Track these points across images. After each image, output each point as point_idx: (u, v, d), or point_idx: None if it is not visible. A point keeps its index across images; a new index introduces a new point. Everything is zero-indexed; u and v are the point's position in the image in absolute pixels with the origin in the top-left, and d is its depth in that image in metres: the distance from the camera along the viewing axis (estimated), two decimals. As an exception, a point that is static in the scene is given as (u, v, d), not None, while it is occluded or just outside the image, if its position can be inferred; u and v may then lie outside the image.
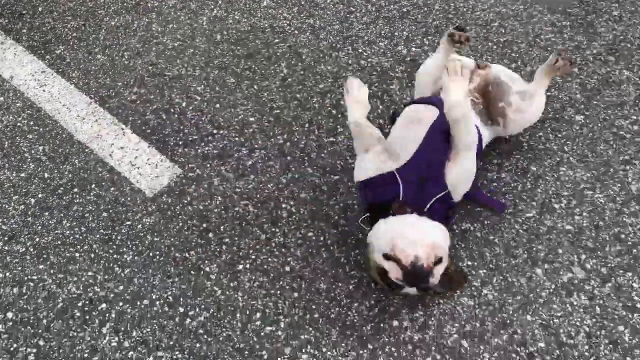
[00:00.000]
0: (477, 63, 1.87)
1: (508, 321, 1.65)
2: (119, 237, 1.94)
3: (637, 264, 1.72)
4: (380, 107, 2.21)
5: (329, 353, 1.64)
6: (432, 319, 1.67)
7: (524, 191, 1.89)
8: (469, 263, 1.76)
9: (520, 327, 1.64)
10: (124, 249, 1.91)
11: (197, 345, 1.68)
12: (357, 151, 1.73)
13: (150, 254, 1.88)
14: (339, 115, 2.20)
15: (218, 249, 1.87)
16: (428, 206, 1.59)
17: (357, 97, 1.73)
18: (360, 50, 2.44)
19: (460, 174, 1.65)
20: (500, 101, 1.84)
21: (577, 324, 1.63)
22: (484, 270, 1.74)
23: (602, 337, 1.60)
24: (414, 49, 2.42)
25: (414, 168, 1.63)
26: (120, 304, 1.79)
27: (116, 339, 1.72)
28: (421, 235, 1.50)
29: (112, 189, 2.07)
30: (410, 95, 2.18)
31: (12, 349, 1.71)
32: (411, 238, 1.49)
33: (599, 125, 2.04)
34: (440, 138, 1.66)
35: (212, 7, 2.74)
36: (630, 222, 1.81)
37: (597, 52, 2.30)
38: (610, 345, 1.58)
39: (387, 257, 1.50)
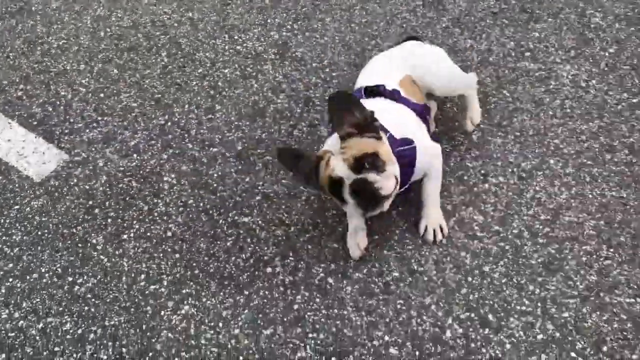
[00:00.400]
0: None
1: (367, 258, 1.84)
2: (7, 221, 2.01)
3: (478, 202, 1.95)
4: (255, 85, 2.38)
5: (208, 302, 1.78)
6: (302, 262, 1.85)
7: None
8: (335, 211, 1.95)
9: (377, 262, 1.83)
10: (13, 231, 1.98)
11: (86, 308, 1.78)
12: None
13: (39, 233, 1.96)
14: (217, 95, 2.35)
15: (104, 223, 1.98)
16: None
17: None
18: (236, 37, 2.61)
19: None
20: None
21: (427, 254, 1.84)
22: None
23: (447, 263, 1.82)
24: (284, 33, 2.61)
25: None
26: (10, 279, 1.86)
27: (6, 311, 1.79)
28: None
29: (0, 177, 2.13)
30: (284, 74, 2.37)
31: None
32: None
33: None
34: None
35: (96, 7, 2.83)
36: (472, 165, 2.05)
37: (445, 25, 2.56)
38: (455, 269, 1.80)
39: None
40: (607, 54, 2.38)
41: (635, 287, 1.72)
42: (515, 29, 2.50)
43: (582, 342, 1.62)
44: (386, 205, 1.62)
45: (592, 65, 2.34)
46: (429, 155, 1.81)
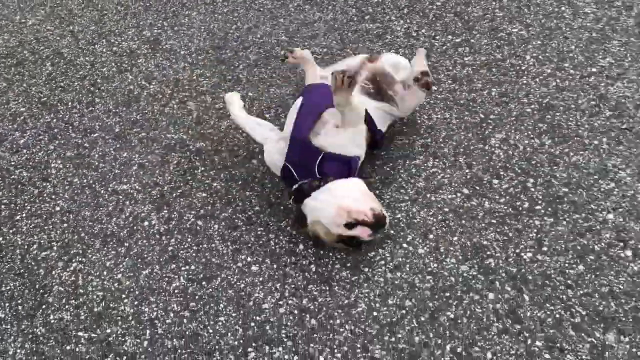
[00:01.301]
0: (369, 56, 2.07)
1: (232, 198, 2.07)
2: None
3: None
4: (130, 77, 2.60)
5: (94, 257, 1.98)
6: (175, 213, 2.06)
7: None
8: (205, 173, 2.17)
9: (241, 201, 2.07)
10: None
11: (-17, 282, 1.96)
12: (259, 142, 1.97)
13: (-62, 228, 2.13)
14: (96, 90, 2.57)
15: (-3, 210, 2.16)
16: (317, 173, 1.77)
17: (229, 98, 2.05)
18: (112, 41, 2.83)
19: (344, 140, 1.80)
20: (389, 90, 2.01)
21: (283, 188, 2.08)
22: (213, 171, 2.16)
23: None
24: (156, 31, 2.85)
25: (292, 148, 1.80)
26: None
27: None
28: (352, 191, 1.71)
29: None
30: (156, 64, 2.60)
31: None
32: (353, 197, 1.68)
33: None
34: (309, 118, 1.83)
35: (-16, 34, 3.02)
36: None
37: (297, 4, 2.84)
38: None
39: (350, 225, 1.66)
40: (434, 7, 2.70)
41: (456, 185, 2.00)
42: (357, -2, 2.80)
43: (412, 234, 1.88)
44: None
45: (422, 17, 2.65)
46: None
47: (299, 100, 1.90)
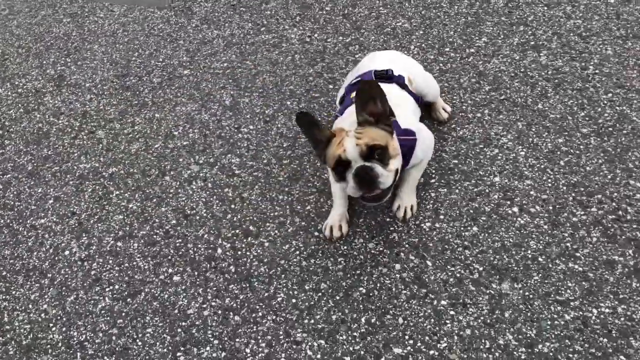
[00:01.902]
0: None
1: (149, 216, 2.13)
2: None
3: (235, 149, 2.30)
4: (38, 115, 2.63)
5: (17, 293, 1.99)
6: (94, 238, 2.11)
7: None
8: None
9: (157, 218, 2.13)
10: None
11: None
12: None
13: None
14: (5, 133, 2.58)
15: None
16: None
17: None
18: (16, 83, 2.85)
19: None
20: None
21: (197, 199, 2.16)
22: (128, 193, 2.22)
23: (214, 200, 2.15)
24: (59, 68, 2.88)
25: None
26: None
27: None
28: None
29: None
30: (62, 100, 2.63)
31: None
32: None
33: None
34: None
35: None
36: (227, 124, 2.41)
37: (195, 25, 2.93)
38: (220, 202, 2.13)
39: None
40: (324, 12, 2.84)
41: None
42: (252, 13, 2.92)
43: (323, 222, 1.99)
44: (384, 198, 1.67)
45: (314, 23, 2.78)
46: (426, 147, 1.89)
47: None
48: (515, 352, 1.59)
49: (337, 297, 1.77)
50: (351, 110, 1.77)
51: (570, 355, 1.57)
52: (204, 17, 2.91)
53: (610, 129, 2.08)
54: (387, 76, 1.90)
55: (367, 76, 1.92)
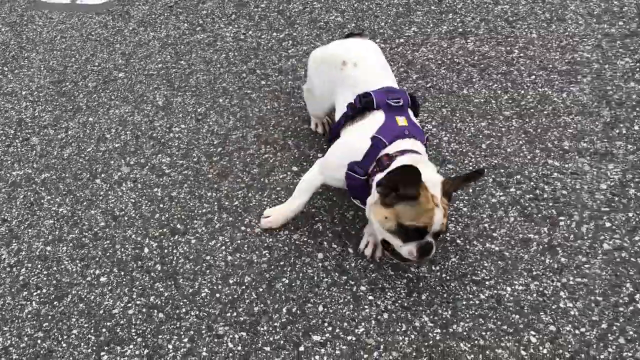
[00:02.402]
0: None
1: (78, 219, 2.14)
2: None
3: (166, 149, 2.31)
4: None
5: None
6: (24, 244, 2.11)
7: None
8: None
9: (87, 221, 2.13)
10: None
11: None
12: None
13: None
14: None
15: None
16: None
17: None
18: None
19: None
20: None
21: (126, 200, 2.17)
22: (59, 198, 2.22)
23: (143, 201, 2.16)
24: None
25: None
26: None
27: None
28: None
29: None
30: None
31: None
32: None
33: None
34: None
35: None
36: (160, 124, 2.41)
37: (132, 28, 2.94)
38: (149, 202, 2.14)
39: None
40: (259, 9, 2.86)
41: (286, 165, 2.14)
42: (188, 13, 2.93)
43: (249, 217, 2.00)
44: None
45: (249, 20, 2.80)
46: None
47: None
48: (430, 333, 1.62)
49: (260, 289, 1.79)
50: (405, 144, 1.67)
51: (484, 333, 1.60)
52: (141, 19, 2.92)
53: (532, 110, 2.11)
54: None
55: (380, 96, 1.77)
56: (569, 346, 1.54)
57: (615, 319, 1.58)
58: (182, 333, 1.72)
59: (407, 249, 1.58)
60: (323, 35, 2.58)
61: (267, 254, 1.87)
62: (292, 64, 2.48)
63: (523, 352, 1.55)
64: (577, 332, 1.57)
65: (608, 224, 1.77)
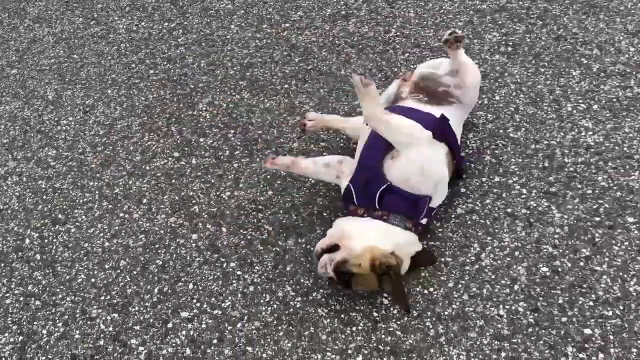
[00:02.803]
0: (402, 77, 1.97)
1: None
2: None
3: (53, 142, 2.31)
4: None
5: None
6: None
7: None
8: None
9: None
10: None
11: None
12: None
13: None
14: None
15: None
16: (377, 202, 1.62)
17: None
18: None
19: (403, 169, 1.62)
20: (439, 87, 1.85)
21: (11, 194, 2.18)
22: None
23: (28, 192, 2.17)
24: None
25: (359, 172, 1.69)
26: None
27: None
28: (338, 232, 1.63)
29: None
30: None
31: None
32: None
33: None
34: (378, 141, 1.66)
35: None
36: (48, 118, 2.43)
37: (27, 25, 2.93)
38: (32, 194, 2.16)
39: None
40: (153, 1, 2.89)
41: (168, 151, 2.18)
42: (84, 8, 2.94)
43: (128, 204, 2.04)
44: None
45: (142, 12, 2.83)
46: None
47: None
48: (292, 302, 1.69)
49: (134, 272, 1.84)
50: None
51: (340, 299, 1.68)
52: (37, 16, 2.92)
53: (403, 86, 2.19)
54: None
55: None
56: (417, 305, 1.64)
57: (462, 277, 1.67)
58: (56, 318, 1.76)
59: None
60: (213, 23, 2.63)
61: (143, 238, 1.92)
62: (180, 52, 2.52)
63: (375, 314, 1.64)
64: (425, 292, 1.66)
65: (463, 190, 1.87)
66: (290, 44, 2.44)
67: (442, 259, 1.71)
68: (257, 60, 2.41)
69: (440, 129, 1.67)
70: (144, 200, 2.02)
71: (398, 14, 2.47)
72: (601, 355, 1.48)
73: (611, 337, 1.51)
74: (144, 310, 1.74)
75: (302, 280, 1.73)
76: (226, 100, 2.28)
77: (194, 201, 1.99)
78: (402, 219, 1.63)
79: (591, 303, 1.57)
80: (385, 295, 1.66)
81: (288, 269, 1.77)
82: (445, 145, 1.69)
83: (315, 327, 1.63)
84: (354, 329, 1.61)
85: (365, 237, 1.58)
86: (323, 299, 1.68)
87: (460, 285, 1.65)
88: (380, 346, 1.57)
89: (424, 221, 1.68)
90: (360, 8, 2.53)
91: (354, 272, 1.57)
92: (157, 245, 1.89)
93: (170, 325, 1.69)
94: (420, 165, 1.61)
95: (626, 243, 1.67)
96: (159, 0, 2.83)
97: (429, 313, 1.61)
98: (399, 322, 1.60)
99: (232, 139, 2.15)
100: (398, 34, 2.38)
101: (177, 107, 2.30)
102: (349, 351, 1.57)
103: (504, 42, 2.27)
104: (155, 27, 2.68)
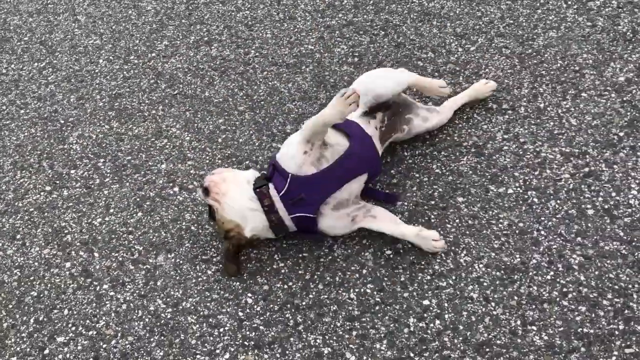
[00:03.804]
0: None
1: None
2: None
3: None
4: None
5: None
6: None
7: None
8: None
9: None
10: None
11: None
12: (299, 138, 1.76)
13: None
14: None
15: None
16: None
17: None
18: None
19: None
20: (408, 113, 2.00)
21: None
22: None
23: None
24: None
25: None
26: None
27: None
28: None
29: None
30: None
31: None
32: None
33: None
34: None
35: None
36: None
37: None
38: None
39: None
40: (22, 42, 2.91)
41: (40, 185, 2.22)
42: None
43: (2, 240, 2.06)
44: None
45: (11, 55, 2.84)
46: None
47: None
48: (162, 314, 1.78)
49: (10, 306, 1.87)
50: None
51: (208, 304, 1.78)
52: None
53: (262, 102, 2.34)
54: None
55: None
56: (278, 300, 1.77)
57: (317, 269, 1.82)
58: None
59: None
60: (82, 59, 2.70)
61: (17, 273, 1.96)
62: (50, 90, 2.57)
63: (240, 314, 1.76)
64: (285, 286, 1.80)
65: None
66: (157, 72, 2.55)
67: (300, 255, 1.86)
68: (125, 90, 2.50)
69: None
70: (18, 236, 2.06)
71: (256, 35, 2.63)
72: (437, 322, 1.65)
73: (445, 304, 1.69)
74: (21, 341, 1.78)
75: (172, 292, 1.83)
76: (96, 132, 2.36)
77: (66, 231, 2.05)
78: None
79: (428, 277, 1.75)
80: (250, 295, 1.78)
81: (159, 283, 1.86)
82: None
83: (185, 333, 1.73)
84: (221, 330, 1.73)
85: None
86: (192, 307, 1.78)
87: (316, 277, 1.80)
88: (245, 342, 1.68)
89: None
90: (221, 33, 2.67)
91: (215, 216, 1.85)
92: (31, 278, 1.94)
93: (47, 351, 1.75)
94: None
95: (457, 220, 1.87)
96: (28, 42, 2.86)
97: (288, 305, 1.75)
98: (262, 318, 1.73)
99: (102, 167, 2.22)
100: (257, 54, 2.54)
101: (48, 143, 2.35)
102: (217, 351, 1.68)
103: (350, 54, 2.47)
104: (25, 68, 2.72)
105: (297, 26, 2.64)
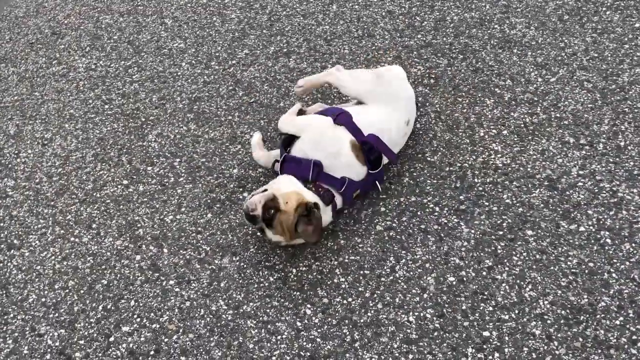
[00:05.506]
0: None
1: None
2: None
3: (12, 172, 2.44)
4: None
5: None
6: None
7: None
8: None
9: None
10: None
11: None
12: None
13: None
14: None
15: None
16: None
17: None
18: None
19: (299, 144, 2.06)
20: None
21: None
22: None
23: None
24: None
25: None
26: None
27: None
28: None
29: None
30: None
31: None
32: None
33: None
34: None
35: None
36: (9, 151, 2.56)
37: None
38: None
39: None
40: (112, 40, 3.05)
41: (117, 179, 2.32)
42: (47, 49, 3.10)
43: (79, 229, 2.17)
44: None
45: (101, 52, 2.99)
46: None
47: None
48: (224, 315, 1.83)
49: (82, 291, 1.96)
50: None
51: (268, 310, 1.81)
52: (3, 56, 3.07)
53: (335, 116, 2.36)
54: None
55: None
56: (337, 314, 1.78)
57: (377, 287, 1.82)
58: (7, 336, 1.87)
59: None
60: (166, 61, 2.80)
61: (90, 260, 2.04)
62: (134, 88, 2.68)
63: (299, 324, 1.78)
64: (344, 302, 1.81)
65: (383, 209, 2.03)
66: (236, 79, 2.61)
67: (361, 272, 1.86)
68: (204, 94, 2.57)
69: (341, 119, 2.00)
70: (93, 225, 2.15)
71: (334, 50, 2.66)
72: (497, 354, 1.62)
73: (506, 338, 1.65)
74: (89, 326, 1.86)
75: (234, 295, 1.87)
76: (174, 132, 2.44)
77: (139, 225, 2.12)
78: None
79: (490, 308, 1.72)
80: (310, 306, 1.80)
81: (222, 284, 1.90)
82: (348, 133, 1.99)
83: (244, 337, 1.76)
84: (278, 337, 1.75)
85: (290, 185, 1.90)
86: (252, 311, 1.82)
87: (375, 295, 1.80)
88: (301, 352, 1.70)
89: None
90: (300, 46, 2.72)
91: (280, 209, 1.82)
92: (103, 267, 2.02)
93: (112, 339, 1.81)
94: (312, 137, 2.00)
95: (524, 254, 1.83)
96: (117, 41, 2.99)
97: (346, 321, 1.75)
98: (319, 330, 1.74)
99: (177, 166, 2.29)
100: (333, 68, 2.56)
101: (129, 139, 2.45)
102: (273, 358, 1.70)
103: (427, 75, 2.46)
104: (113, 65, 2.84)
105: (375, 44, 2.66)
